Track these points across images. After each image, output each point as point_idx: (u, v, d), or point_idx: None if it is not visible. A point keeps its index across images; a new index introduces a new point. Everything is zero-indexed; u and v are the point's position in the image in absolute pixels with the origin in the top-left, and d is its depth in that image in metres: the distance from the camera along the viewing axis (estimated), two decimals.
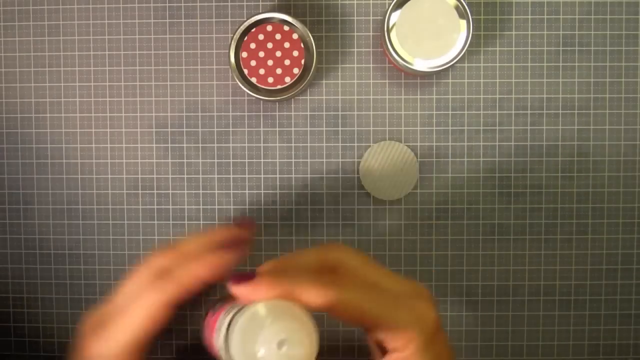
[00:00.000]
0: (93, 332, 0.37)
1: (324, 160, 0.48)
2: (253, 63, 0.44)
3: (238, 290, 0.28)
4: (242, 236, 0.39)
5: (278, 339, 0.28)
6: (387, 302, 0.27)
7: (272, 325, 0.28)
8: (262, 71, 0.44)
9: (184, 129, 0.48)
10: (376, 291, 0.28)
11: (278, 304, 0.28)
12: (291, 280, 0.27)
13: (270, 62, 0.44)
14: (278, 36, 0.44)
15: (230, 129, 0.48)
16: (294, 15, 0.44)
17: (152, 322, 0.35)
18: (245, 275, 0.28)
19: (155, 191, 0.48)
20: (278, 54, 0.44)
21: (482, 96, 0.47)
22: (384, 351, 0.28)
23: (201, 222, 0.48)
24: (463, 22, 0.43)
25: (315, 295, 0.27)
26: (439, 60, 0.43)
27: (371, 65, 0.48)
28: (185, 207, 0.48)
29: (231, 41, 0.44)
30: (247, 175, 0.48)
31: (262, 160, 0.48)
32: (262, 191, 0.48)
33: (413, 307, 0.28)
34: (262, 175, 0.48)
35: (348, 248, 0.29)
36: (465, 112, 0.47)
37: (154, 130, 0.48)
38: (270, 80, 0.44)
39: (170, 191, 0.48)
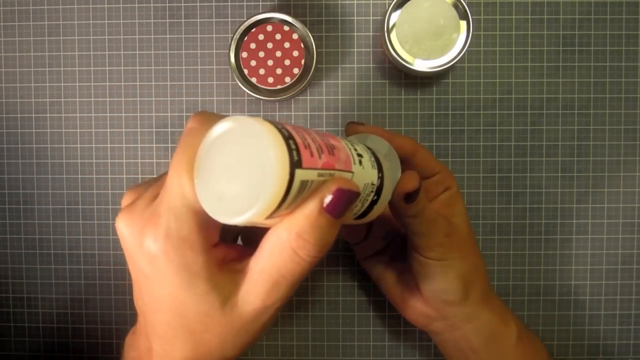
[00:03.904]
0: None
1: None
2: (253, 63, 0.44)
3: (350, 126, 0.39)
4: None
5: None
6: (441, 164, 0.41)
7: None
8: (262, 71, 0.44)
9: (184, 130, 0.48)
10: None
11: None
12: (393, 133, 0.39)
13: (270, 62, 0.44)
14: (278, 36, 0.44)
15: None
16: (294, 15, 0.44)
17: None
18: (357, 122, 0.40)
19: None
20: (278, 54, 0.44)
21: (482, 96, 0.47)
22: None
23: None
24: (463, 22, 0.43)
25: (407, 141, 0.39)
26: (439, 60, 0.43)
27: (371, 65, 0.48)
28: None
29: (231, 41, 0.44)
30: None
31: None
32: None
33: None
34: None
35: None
36: (465, 112, 0.47)
37: (154, 130, 0.48)
38: (270, 80, 0.44)
39: None
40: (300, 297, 0.49)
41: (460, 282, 0.38)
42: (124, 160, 0.48)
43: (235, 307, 0.27)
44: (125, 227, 0.28)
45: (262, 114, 0.48)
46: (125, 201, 0.30)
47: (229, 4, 0.47)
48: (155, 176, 0.48)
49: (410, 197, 0.34)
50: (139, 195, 0.30)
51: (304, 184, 0.24)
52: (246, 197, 0.23)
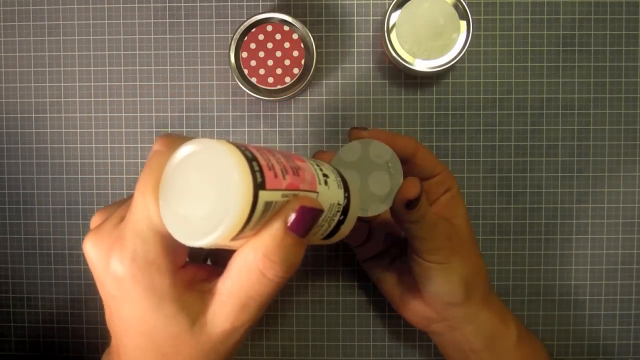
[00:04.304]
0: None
1: None
2: (253, 63, 0.44)
3: (353, 131, 0.38)
4: None
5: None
6: (442, 164, 0.41)
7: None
8: (262, 71, 0.44)
9: (184, 129, 0.48)
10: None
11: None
12: (394, 133, 0.39)
13: (270, 62, 0.44)
14: (278, 36, 0.44)
15: (230, 129, 0.48)
16: (294, 15, 0.44)
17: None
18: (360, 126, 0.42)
19: None
20: (278, 54, 0.44)
21: (482, 96, 0.47)
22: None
23: None
24: (463, 22, 0.43)
25: (409, 141, 0.38)
26: (439, 60, 0.43)
27: (371, 65, 0.48)
28: None
29: (231, 41, 0.44)
30: None
31: None
32: None
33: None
34: None
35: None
36: (465, 112, 0.47)
37: (154, 130, 0.48)
38: (270, 80, 0.44)
39: None
40: (300, 297, 0.49)
41: (461, 284, 0.38)
42: (124, 160, 0.48)
43: (204, 327, 0.27)
44: (92, 249, 0.28)
45: (262, 114, 0.48)
46: (94, 222, 0.30)
47: (229, 4, 0.47)
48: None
49: (412, 203, 0.34)
50: (107, 216, 0.29)
51: (268, 205, 0.24)
52: (210, 220, 0.23)
